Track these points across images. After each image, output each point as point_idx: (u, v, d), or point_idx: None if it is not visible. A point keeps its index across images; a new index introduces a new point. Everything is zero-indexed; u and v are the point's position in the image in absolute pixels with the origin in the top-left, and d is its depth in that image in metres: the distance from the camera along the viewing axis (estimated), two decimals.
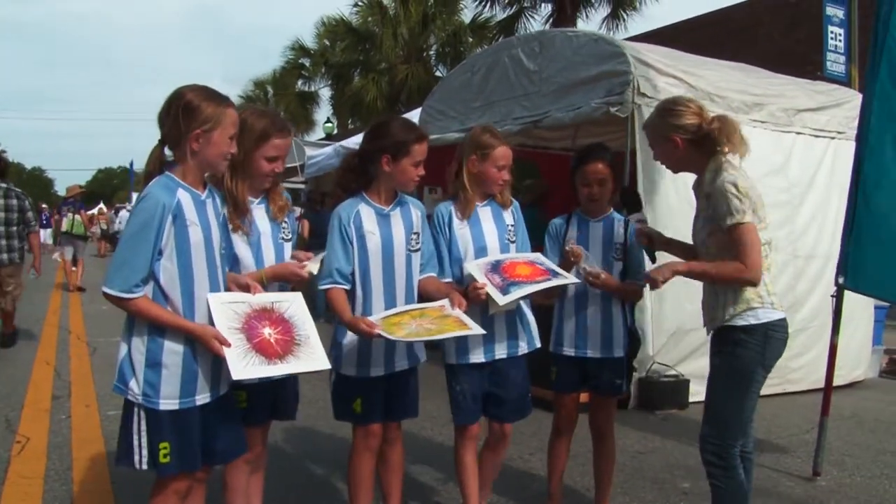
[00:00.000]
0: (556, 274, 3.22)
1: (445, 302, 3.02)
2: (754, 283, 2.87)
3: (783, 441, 5.19)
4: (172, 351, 2.46)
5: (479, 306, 3.16)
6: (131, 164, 23.05)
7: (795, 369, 6.36)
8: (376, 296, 3.04)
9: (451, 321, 2.94)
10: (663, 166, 3.22)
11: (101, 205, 35.88)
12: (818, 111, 6.85)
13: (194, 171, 2.52)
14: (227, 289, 2.66)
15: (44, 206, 25.65)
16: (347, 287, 3.02)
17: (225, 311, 2.51)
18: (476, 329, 2.96)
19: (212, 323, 2.48)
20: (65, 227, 14.30)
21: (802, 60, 11.84)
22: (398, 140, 2.99)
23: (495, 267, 3.17)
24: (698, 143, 3.00)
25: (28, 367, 6.99)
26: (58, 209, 17.94)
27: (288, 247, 3.14)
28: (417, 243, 3.16)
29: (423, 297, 3.13)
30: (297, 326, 2.63)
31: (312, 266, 2.96)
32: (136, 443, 2.46)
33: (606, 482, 3.66)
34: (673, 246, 3.42)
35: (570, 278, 3.25)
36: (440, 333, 2.89)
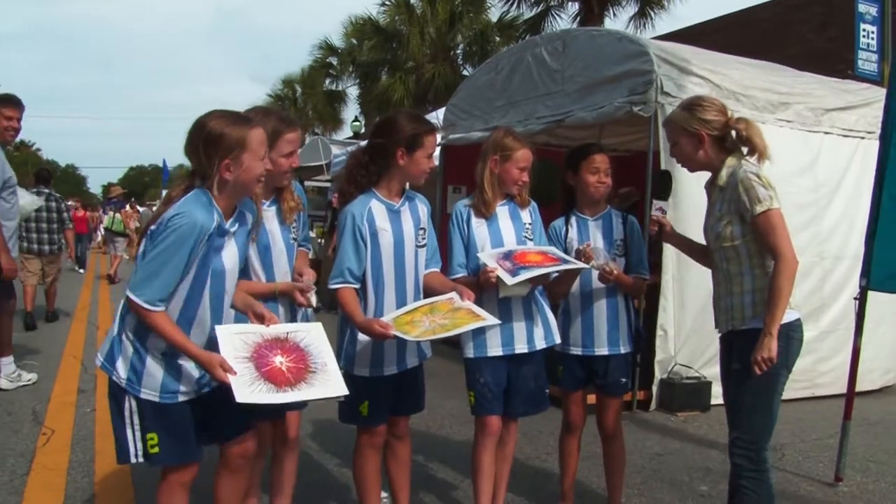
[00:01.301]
0: (566, 261, 3.26)
1: (454, 295, 3.02)
2: (794, 267, 2.82)
3: (806, 445, 5.12)
4: (157, 347, 2.47)
5: (496, 300, 3.20)
6: (164, 163, 23.24)
7: (824, 373, 6.27)
8: (388, 292, 3.06)
9: (463, 314, 2.94)
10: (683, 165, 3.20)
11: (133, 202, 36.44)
12: (847, 110, 6.73)
13: (228, 198, 2.51)
14: (238, 310, 2.67)
15: (70, 203, 26.49)
16: (357, 286, 3.03)
17: (233, 341, 2.47)
18: (490, 319, 2.97)
19: (211, 348, 2.47)
20: (106, 223, 16.35)
21: (834, 59, 11.65)
22: (411, 133, 3.00)
23: (507, 255, 3.20)
24: (721, 141, 3.01)
25: (56, 361, 7.11)
26: (101, 207, 19.72)
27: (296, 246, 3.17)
28: (424, 239, 3.19)
29: (428, 292, 3.15)
30: (313, 355, 2.55)
31: (314, 298, 3.00)
32: (129, 434, 2.49)
33: (617, 482, 3.65)
34: (680, 242, 3.42)
35: (578, 264, 3.27)
36: (455, 328, 2.89)
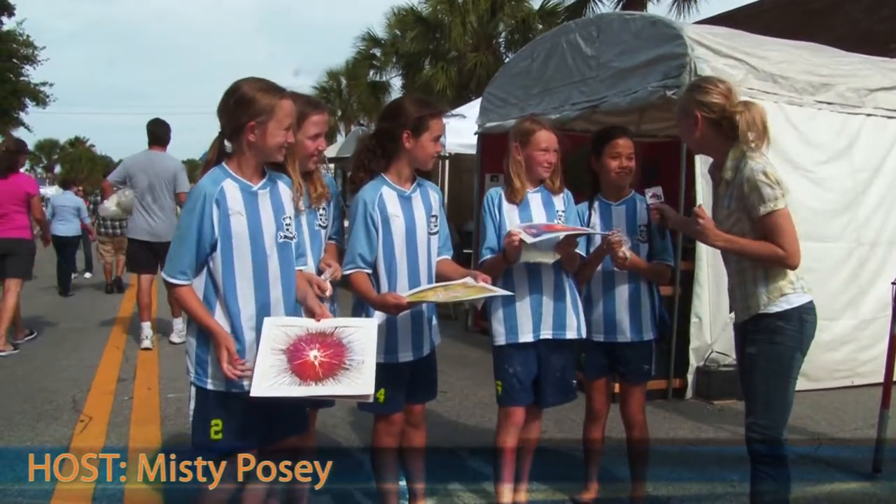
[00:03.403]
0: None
1: (468, 279, 3.02)
2: (793, 267, 2.81)
3: (844, 435, 5.00)
4: None
5: (526, 280, 3.25)
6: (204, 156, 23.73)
7: (865, 361, 6.07)
8: (401, 279, 3.06)
9: (476, 289, 2.94)
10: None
11: None
12: (893, 90, 6.49)
13: (250, 161, 2.56)
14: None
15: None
16: (369, 271, 3.04)
17: (276, 333, 2.49)
18: (502, 291, 3.01)
19: (260, 321, 2.52)
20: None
21: (885, 40, 11.27)
22: (417, 116, 3.01)
23: (534, 226, 3.20)
24: (719, 125, 2.92)
25: (99, 350, 7.30)
26: None
27: (324, 234, 3.19)
28: (436, 226, 3.18)
29: (440, 279, 3.14)
30: (353, 352, 2.52)
31: (329, 290, 3.01)
32: (192, 420, 2.60)
33: (641, 472, 3.61)
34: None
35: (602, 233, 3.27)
36: (468, 297, 2.93)
